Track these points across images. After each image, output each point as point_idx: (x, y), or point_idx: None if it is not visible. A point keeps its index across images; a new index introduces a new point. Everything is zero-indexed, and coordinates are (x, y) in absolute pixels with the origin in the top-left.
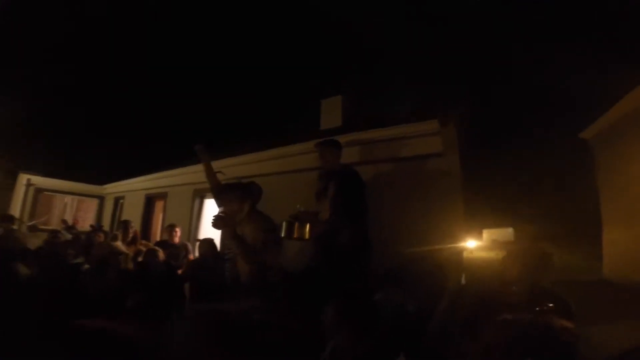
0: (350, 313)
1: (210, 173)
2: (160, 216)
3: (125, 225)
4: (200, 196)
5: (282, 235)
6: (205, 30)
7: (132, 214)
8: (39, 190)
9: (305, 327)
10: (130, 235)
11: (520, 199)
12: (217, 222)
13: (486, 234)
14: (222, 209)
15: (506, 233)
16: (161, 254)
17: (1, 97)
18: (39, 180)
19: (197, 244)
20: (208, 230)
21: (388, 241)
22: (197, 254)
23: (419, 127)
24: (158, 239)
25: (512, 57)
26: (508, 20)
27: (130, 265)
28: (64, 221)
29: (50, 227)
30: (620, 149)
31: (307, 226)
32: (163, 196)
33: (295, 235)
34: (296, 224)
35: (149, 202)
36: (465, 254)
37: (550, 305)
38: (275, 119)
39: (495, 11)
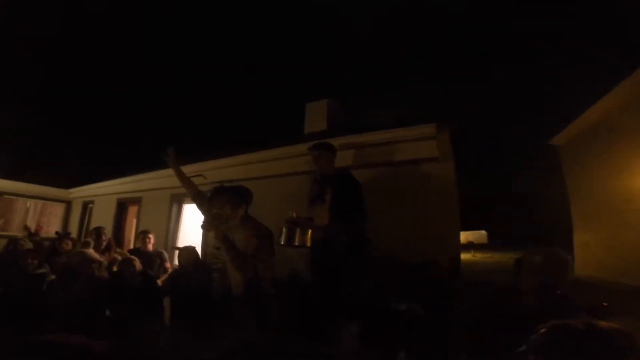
0: (375, 335)
1: (184, 178)
2: (134, 222)
3: (98, 232)
4: (179, 201)
5: (282, 242)
6: (187, 30)
7: (103, 219)
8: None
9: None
10: (104, 243)
11: (492, 202)
12: (206, 225)
13: (462, 235)
14: (214, 210)
15: (480, 235)
16: (138, 264)
17: None
18: None
19: (177, 252)
20: (187, 238)
21: (383, 245)
22: (175, 262)
23: (415, 131)
24: (132, 246)
25: (491, 64)
26: (483, 30)
27: (105, 275)
28: (25, 227)
29: (10, 234)
30: (588, 155)
31: (309, 233)
32: (137, 201)
33: (297, 242)
34: (297, 231)
35: (121, 207)
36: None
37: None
38: (256, 122)
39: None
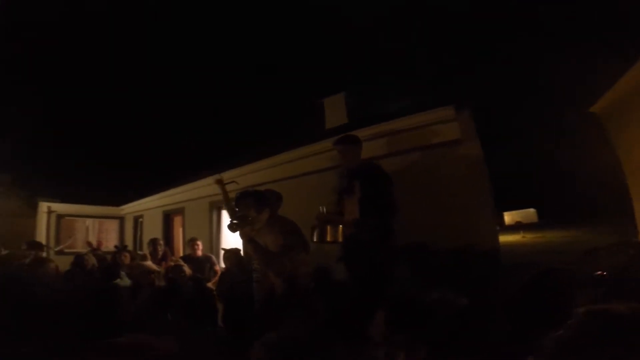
0: (405, 322)
1: (226, 196)
2: (180, 231)
3: (154, 243)
4: (217, 208)
5: (315, 239)
6: (206, 41)
7: (153, 231)
8: (60, 216)
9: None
10: (160, 253)
11: (538, 178)
12: (232, 226)
13: (508, 216)
14: (239, 213)
15: (529, 214)
16: (187, 269)
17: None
18: (58, 207)
19: (223, 253)
20: (229, 241)
21: (417, 234)
22: (222, 264)
23: (434, 115)
24: (181, 253)
25: (513, 41)
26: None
27: (162, 283)
28: (89, 243)
29: (75, 250)
30: (636, 119)
31: (340, 228)
32: (180, 211)
33: (329, 238)
34: (328, 227)
35: (167, 218)
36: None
37: None
38: (278, 124)
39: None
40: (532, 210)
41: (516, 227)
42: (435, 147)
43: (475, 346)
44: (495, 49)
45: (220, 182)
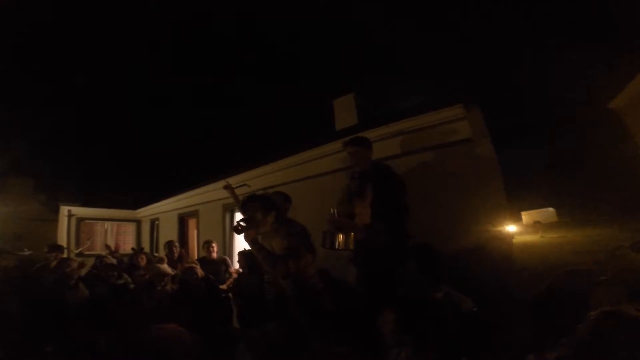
0: (412, 321)
1: (236, 198)
2: (195, 233)
3: (170, 245)
4: (230, 210)
5: (326, 246)
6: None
7: (169, 234)
8: (80, 219)
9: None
10: (176, 254)
11: (550, 176)
12: (238, 228)
13: (526, 216)
14: (245, 215)
15: (548, 213)
16: (199, 271)
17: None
18: (78, 211)
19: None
20: (243, 243)
21: (430, 235)
22: (237, 266)
23: (444, 114)
24: (196, 255)
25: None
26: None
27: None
28: (107, 246)
29: (95, 253)
30: None
31: (352, 235)
32: (195, 214)
33: (341, 246)
34: (340, 235)
35: (182, 221)
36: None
37: None
38: (289, 126)
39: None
40: (551, 209)
41: (535, 228)
42: (446, 146)
43: (487, 348)
44: (509, 47)
45: (228, 187)
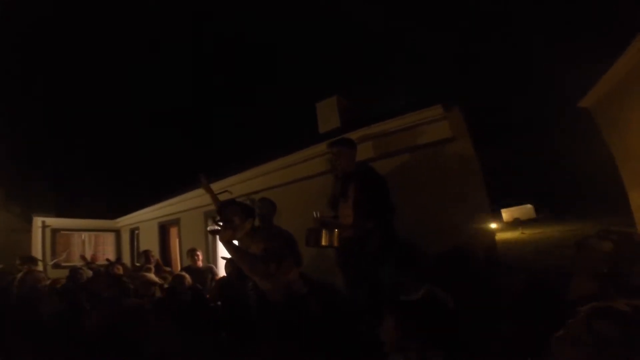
0: (411, 324)
1: (214, 196)
2: (177, 242)
3: (147, 254)
4: (212, 217)
5: (310, 244)
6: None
7: (149, 243)
8: (56, 231)
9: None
10: (153, 264)
11: (534, 174)
12: (213, 231)
13: (505, 212)
14: (222, 219)
15: (526, 210)
16: (188, 280)
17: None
18: (53, 222)
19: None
20: (226, 251)
21: (414, 234)
22: (223, 274)
23: (424, 115)
24: (178, 264)
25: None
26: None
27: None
28: (82, 257)
29: (72, 264)
30: (625, 111)
31: (336, 232)
32: (176, 222)
33: (324, 242)
34: (324, 231)
35: (163, 229)
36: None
37: None
38: (272, 131)
39: None
40: (529, 206)
41: (515, 224)
42: (427, 146)
43: (481, 347)
44: (483, 47)
45: (204, 184)
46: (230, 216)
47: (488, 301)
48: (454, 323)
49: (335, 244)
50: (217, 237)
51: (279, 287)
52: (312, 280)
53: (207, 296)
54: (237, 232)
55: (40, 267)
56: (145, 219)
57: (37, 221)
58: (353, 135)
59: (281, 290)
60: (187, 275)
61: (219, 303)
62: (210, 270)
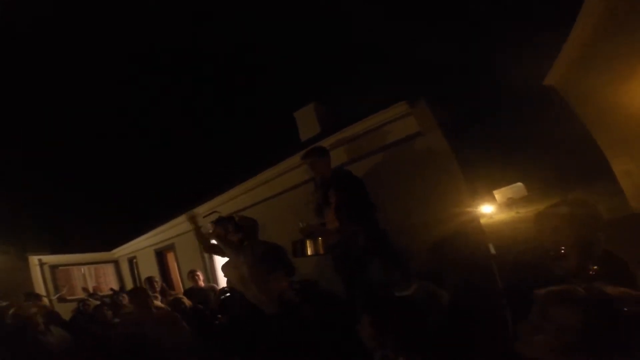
0: (391, 321)
1: (200, 235)
2: (175, 265)
3: (150, 281)
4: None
5: (297, 255)
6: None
7: (149, 269)
8: (54, 267)
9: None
10: (158, 289)
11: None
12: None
13: (498, 194)
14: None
15: (518, 188)
16: (186, 301)
17: None
18: (50, 259)
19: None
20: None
21: (400, 231)
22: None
23: (390, 113)
24: (180, 286)
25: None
26: None
27: None
28: (84, 289)
29: (77, 297)
30: (593, 81)
31: (320, 240)
32: (171, 247)
33: (310, 252)
34: (307, 241)
35: (160, 255)
36: (483, 221)
37: (595, 267)
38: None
39: None
40: (520, 184)
41: (509, 205)
42: (398, 143)
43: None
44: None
45: (192, 220)
46: (224, 225)
47: (481, 290)
48: (429, 322)
49: (321, 251)
50: (213, 235)
51: (273, 298)
52: (310, 288)
53: (210, 307)
54: (228, 234)
55: (45, 302)
56: (140, 247)
57: (33, 259)
58: (330, 141)
59: (275, 302)
60: (184, 298)
61: (219, 316)
62: (213, 289)
